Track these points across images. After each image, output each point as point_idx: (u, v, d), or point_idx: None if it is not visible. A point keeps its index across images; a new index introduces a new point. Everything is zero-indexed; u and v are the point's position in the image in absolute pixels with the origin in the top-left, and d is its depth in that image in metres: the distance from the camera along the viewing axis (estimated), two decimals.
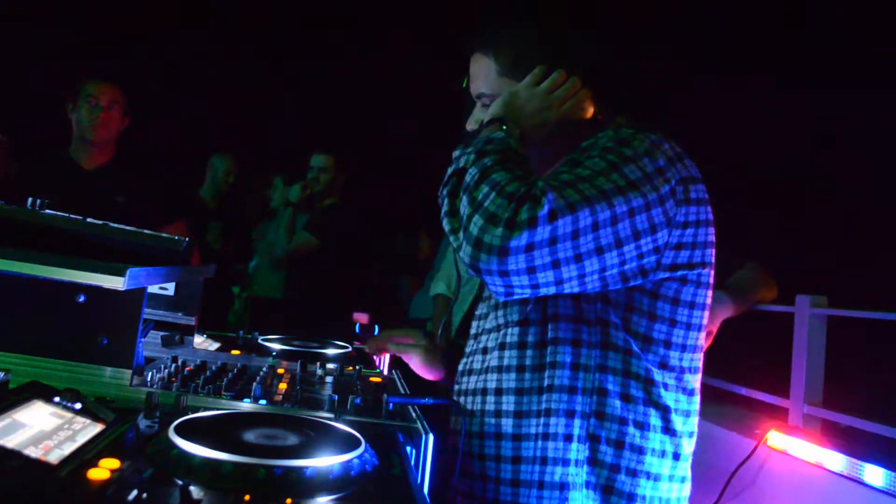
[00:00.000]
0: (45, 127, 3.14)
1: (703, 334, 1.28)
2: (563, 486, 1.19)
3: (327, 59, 6.16)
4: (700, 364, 1.29)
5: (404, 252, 5.31)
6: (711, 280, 1.27)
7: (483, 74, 1.37)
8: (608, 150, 1.17)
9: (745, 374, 2.64)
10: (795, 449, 2.11)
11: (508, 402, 1.26)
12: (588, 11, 1.37)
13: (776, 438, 2.19)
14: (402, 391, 1.62)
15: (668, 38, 5.07)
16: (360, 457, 0.92)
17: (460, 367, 1.43)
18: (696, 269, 1.22)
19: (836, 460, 1.95)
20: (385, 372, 1.84)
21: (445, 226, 1.17)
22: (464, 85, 1.43)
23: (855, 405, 2.13)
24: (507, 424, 1.25)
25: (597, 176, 1.12)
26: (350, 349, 2.12)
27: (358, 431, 1.04)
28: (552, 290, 1.12)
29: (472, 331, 1.44)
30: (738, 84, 5.00)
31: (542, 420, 1.22)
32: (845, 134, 4.88)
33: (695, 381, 1.28)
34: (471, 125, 1.41)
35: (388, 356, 2.13)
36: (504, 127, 1.25)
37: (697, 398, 1.29)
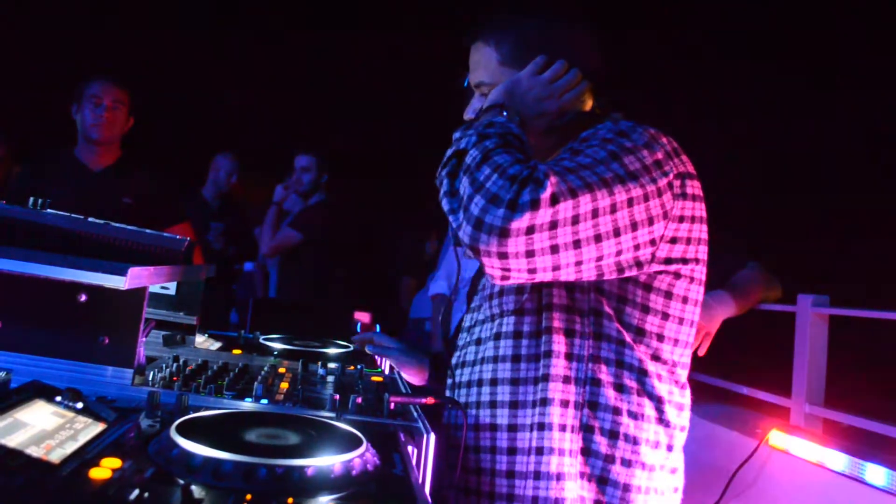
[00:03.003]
0: (50, 127, 3.15)
1: (693, 330, 1.29)
2: (559, 477, 1.19)
3: (329, 58, 6.15)
4: (689, 360, 1.30)
5: (409, 252, 5.31)
6: (703, 277, 1.28)
7: (483, 63, 1.37)
8: (608, 141, 1.18)
9: (747, 374, 2.63)
10: (797, 448, 2.11)
11: (504, 392, 1.26)
12: (591, 4, 1.37)
13: (778, 438, 2.18)
14: (404, 390, 1.63)
15: (671, 31, 5.07)
16: (361, 456, 0.92)
17: (454, 360, 1.43)
18: (689, 264, 1.24)
19: (837, 460, 1.95)
20: (386, 371, 1.84)
21: (445, 206, 1.17)
22: (465, 84, 1.43)
23: (857, 404, 2.12)
24: (503, 415, 1.25)
25: (597, 164, 1.13)
26: (351, 349, 2.12)
27: (359, 431, 1.04)
28: (549, 275, 1.12)
29: (466, 323, 1.44)
30: (740, 83, 5.00)
31: (537, 410, 1.22)
32: (849, 133, 4.87)
33: (685, 376, 1.30)
34: (468, 114, 1.41)
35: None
36: (504, 112, 1.26)
37: (689, 392, 1.30)
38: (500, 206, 1.06)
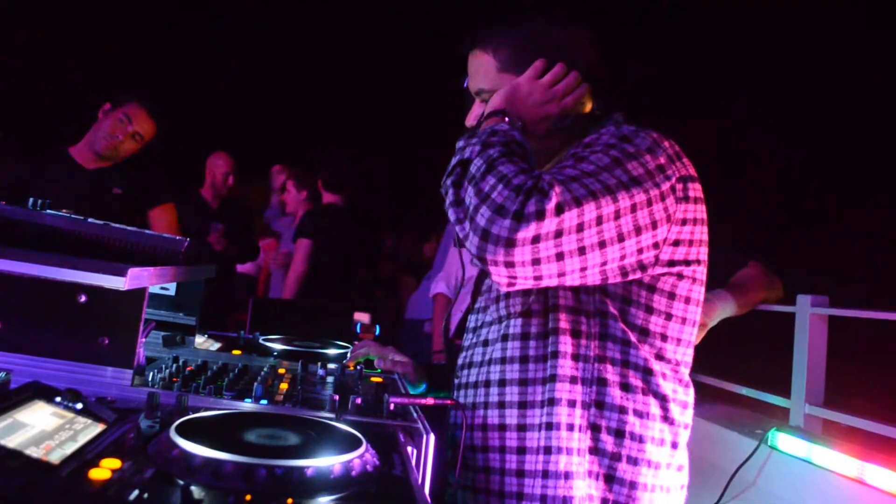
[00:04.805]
0: (44, 123, 3.15)
1: (695, 330, 1.30)
2: (567, 475, 1.21)
3: (330, 60, 6.15)
4: (691, 359, 1.32)
5: (408, 252, 5.32)
6: (704, 278, 1.30)
7: (482, 70, 1.38)
8: (611, 146, 1.19)
9: (747, 374, 2.63)
10: (796, 449, 2.11)
11: (512, 393, 1.27)
12: (587, 5, 1.37)
13: (777, 438, 2.18)
14: (403, 391, 1.63)
15: (667, 32, 5.07)
16: (361, 457, 0.92)
17: (459, 362, 1.44)
18: (691, 265, 1.25)
19: (837, 461, 1.95)
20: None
21: (451, 216, 1.18)
22: (465, 85, 1.44)
23: (856, 405, 2.12)
24: (512, 415, 1.27)
25: (601, 171, 1.14)
26: (351, 349, 2.12)
27: (359, 431, 1.04)
28: (554, 281, 1.13)
29: (471, 324, 1.45)
30: (739, 81, 4.99)
31: (545, 410, 1.23)
32: (846, 132, 4.88)
33: (688, 374, 1.31)
34: (470, 121, 1.42)
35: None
36: (506, 119, 1.26)
37: (692, 391, 1.31)
38: (506, 216, 1.07)
